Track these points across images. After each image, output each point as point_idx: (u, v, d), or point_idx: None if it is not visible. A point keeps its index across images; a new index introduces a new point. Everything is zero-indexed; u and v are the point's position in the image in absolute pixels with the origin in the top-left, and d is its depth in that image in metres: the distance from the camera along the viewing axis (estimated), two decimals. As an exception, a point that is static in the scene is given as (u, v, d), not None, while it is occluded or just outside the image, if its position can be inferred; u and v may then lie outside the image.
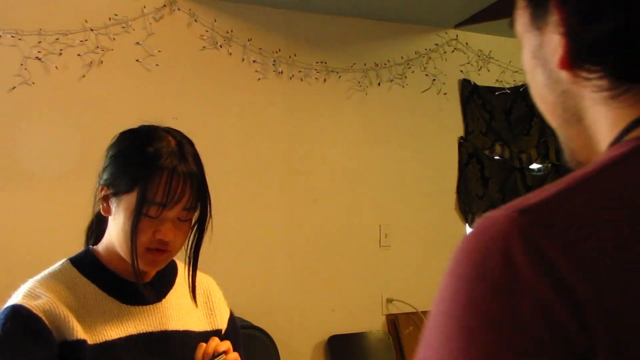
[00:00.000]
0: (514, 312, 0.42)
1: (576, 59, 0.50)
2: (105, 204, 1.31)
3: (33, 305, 1.23)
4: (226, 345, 1.33)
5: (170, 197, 1.25)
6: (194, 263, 1.38)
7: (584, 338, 0.41)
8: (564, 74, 0.53)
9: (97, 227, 1.40)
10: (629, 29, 0.46)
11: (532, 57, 0.56)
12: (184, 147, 1.30)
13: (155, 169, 1.25)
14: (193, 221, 1.34)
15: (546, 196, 0.46)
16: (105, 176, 1.32)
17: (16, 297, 1.26)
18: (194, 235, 1.35)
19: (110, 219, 1.32)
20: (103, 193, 1.31)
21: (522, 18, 0.56)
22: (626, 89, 0.49)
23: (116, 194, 1.29)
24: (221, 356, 1.30)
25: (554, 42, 0.52)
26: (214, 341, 1.33)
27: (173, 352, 1.33)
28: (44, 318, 1.21)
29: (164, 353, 1.32)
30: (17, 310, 1.22)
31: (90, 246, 1.38)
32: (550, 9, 0.51)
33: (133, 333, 1.29)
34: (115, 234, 1.30)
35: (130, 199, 1.26)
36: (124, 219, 1.27)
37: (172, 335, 1.33)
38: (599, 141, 0.54)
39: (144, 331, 1.30)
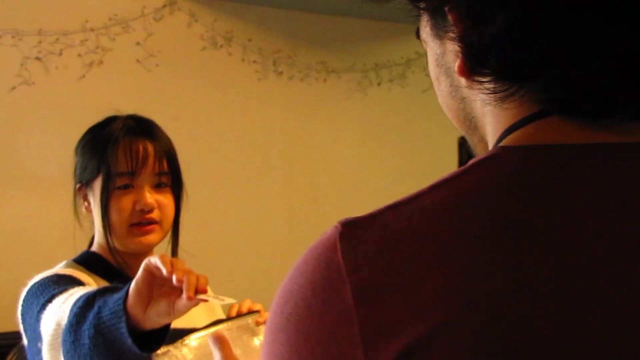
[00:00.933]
0: (313, 324, 0.43)
1: (470, 64, 0.50)
2: (86, 202, 1.31)
3: (69, 272, 1.22)
4: (259, 306, 1.32)
5: (134, 163, 1.25)
6: (174, 234, 1.37)
7: (361, 352, 0.41)
8: (463, 81, 0.52)
9: None
10: (513, 30, 0.46)
11: (436, 66, 0.56)
12: (142, 122, 1.32)
13: (112, 142, 1.26)
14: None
15: (374, 211, 0.47)
16: (77, 173, 1.33)
17: (38, 277, 1.23)
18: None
19: (93, 213, 1.32)
20: (81, 192, 1.31)
21: (424, 27, 0.57)
22: (514, 91, 0.49)
23: (88, 184, 1.29)
24: (255, 314, 1.29)
25: (454, 49, 0.52)
26: (248, 301, 1.32)
27: None
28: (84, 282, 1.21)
29: None
30: (58, 274, 1.21)
31: (87, 249, 1.37)
32: (446, 15, 0.51)
33: None
34: (97, 225, 1.29)
35: (99, 181, 1.26)
36: (97, 203, 1.27)
37: (179, 334, 1.33)
38: (490, 148, 0.54)
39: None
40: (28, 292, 1.20)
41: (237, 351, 1.24)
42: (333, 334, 0.42)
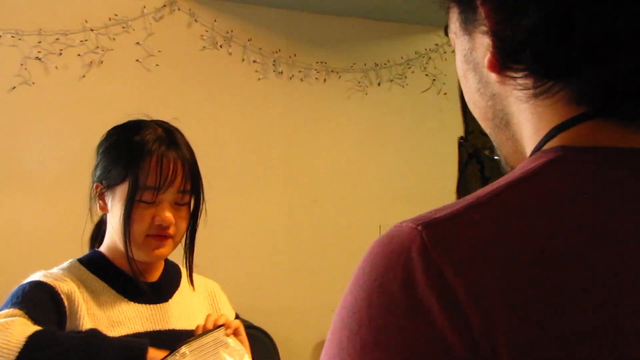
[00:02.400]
0: (407, 331, 0.40)
1: (502, 58, 0.49)
2: (101, 202, 1.32)
3: (54, 283, 1.23)
4: (224, 318, 1.33)
5: (163, 180, 1.26)
6: (190, 248, 1.38)
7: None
8: (493, 77, 0.52)
9: (99, 233, 1.41)
10: (548, 25, 0.45)
11: (464, 62, 0.55)
12: (171, 133, 1.33)
13: (144, 154, 1.26)
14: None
15: (452, 211, 0.44)
16: (97, 172, 1.33)
17: (31, 277, 1.25)
18: (190, 221, 1.36)
19: (108, 215, 1.32)
20: (98, 191, 1.32)
21: (453, 24, 0.56)
22: (549, 87, 0.48)
23: (110, 187, 1.29)
24: (220, 328, 1.30)
25: (484, 44, 0.51)
26: (211, 316, 1.33)
27: None
28: (63, 298, 1.22)
29: None
30: (38, 282, 1.23)
31: (96, 248, 1.39)
32: (477, 9, 0.50)
33: (140, 330, 1.29)
34: (113, 228, 1.30)
35: (124, 188, 1.27)
36: (119, 208, 1.27)
37: (180, 335, 1.33)
38: (525, 148, 0.53)
39: (152, 329, 1.30)
40: (12, 292, 1.23)
41: None
42: (445, 339, 0.39)
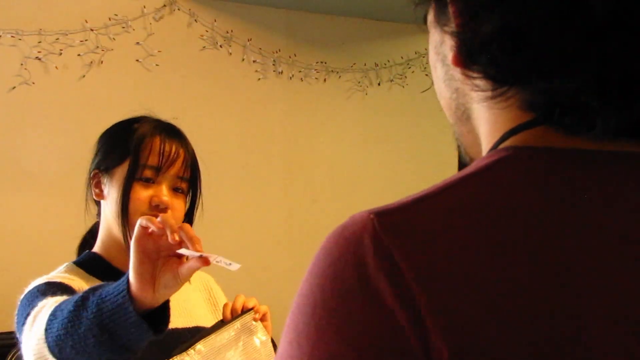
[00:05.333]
0: (359, 312, 0.43)
1: (463, 59, 0.51)
2: (97, 189, 1.31)
3: (65, 280, 1.21)
4: (254, 301, 1.32)
5: (165, 159, 1.26)
6: None
7: (422, 347, 0.41)
8: (457, 72, 0.54)
9: (90, 239, 1.39)
10: (504, 34, 0.47)
11: (434, 53, 0.58)
12: (173, 125, 1.34)
13: (147, 135, 1.28)
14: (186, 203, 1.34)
15: (405, 201, 0.47)
16: (96, 160, 1.32)
17: (36, 282, 1.22)
18: (187, 211, 1.35)
19: (103, 204, 1.31)
20: (95, 178, 1.31)
21: (430, 15, 0.58)
22: (503, 92, 0.50)
23: (108, 170, 1.29)
24: (250, 312, 1.29)
25: (450, 40, 0.53)
26: (241, 298, 1.32)
27: None
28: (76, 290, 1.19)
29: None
30: (47, 282, 1.20)
31: (88, 250, 1.36)
32: (448, 6, 0.52)
33: None
34: (110, 214, 1.28)
35: (123, 168, 1.26)
36: (117, 189, 1.26)
37: (182, 333, 1.32)
38: (483, 143, 0.55)
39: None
40: (21, 302, 1.20)
41: (242, 351, 1.25)
42: (396, 321, 0.42)
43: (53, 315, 1.04)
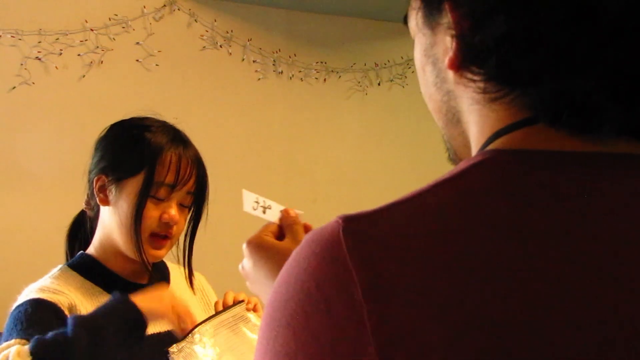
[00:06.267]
0: (311, 317, 0.43)
1: (464, 61, 0.51)
2: (102, 195, 1.28)
3: (55, 298, 1.19)
4: (243, 295, 1.32)
5: (180, 178, 1.25)
6: (189, 249, 1.38)
7: (374, 349, 0.41)
8: (450, 74, 0.53)
9: (78, 233, 1.38)
10: (515, 36, 0.47)
11: (424, 55, 0.57)
12: (181, 133, 1.32)
13: (164, 149, 1.25)
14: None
15: (378, 208, 0.46)
16: (102, 165, 1.28)
17: (27, 295, 1.20)
18: (191, 222, 1.35)
19: (108, 210, 1.28)
20: (99, 183, 1.28)
21: (415, 16, 0.57)
22: (505, 93, 0.50)
23: (118, 180, 1.26)
24: (242, 304, 1.29)
25: (446, 42, 0.53)
26: (231, 293, 1.32)
27: None
28: (66, 313, 1.18)
29: None
30: (39, 301, 1.18)
31: (82, 251, 1.34)
32: (444, 11, 0.52)
33: None
34: (116, 223, 1.26)
35: (136, 182, 1.24)
36: (128, 204, 1.24)
37: (180, 335, 1.32)
38: (472, 146, 0.55)
39: (151, 332, 1.27)
40: (9, 318, 1.18)
41: (235, 339, 1.25)
42: (343, 330, 0.42)
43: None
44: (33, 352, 1.02)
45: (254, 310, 1.31)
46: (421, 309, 0.41)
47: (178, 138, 1.29)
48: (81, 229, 1.37)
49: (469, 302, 0.41)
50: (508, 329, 0.40)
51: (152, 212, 1.24)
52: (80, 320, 1.07)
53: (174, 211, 1.26)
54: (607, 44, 0.46)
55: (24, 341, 1.08)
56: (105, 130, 1.33)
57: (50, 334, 1.05)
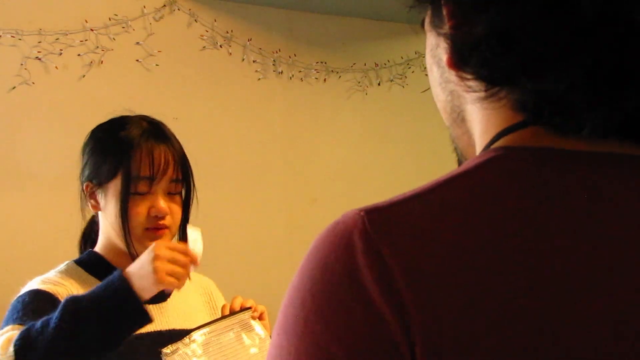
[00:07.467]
0: (346, 308, 0.43)
1: (456, 60, 0.52)
2: (93, 201, 1.31)
3: (53, 289, 1.22)
4: (251, 302, 1.33)
5: (156, 169, 1.27)
6: (184, 239, 1.38)
7: (407, 345, 0.42)
8: (452, 74, 0.54)
9: (91, 233, 1.40)
10: (493, 36, 0.48)
11: (430, 56, 0.59)
12: (157, 126, 1.33)
13: (133, 146, 1.27)
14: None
15: (395, 200, 0.47)
16: (86, 172, 1.32)
17: (29, 286, 1.23)
18: (181, 207, 1.36)
19: (101, 214, 1.32)
20: (89, 190, 1.31)
21: (427, 18, 0.59)
22: (495, 92, 0.51)
23: (101, 184, 1.29)
24: (248, 310, 1.29)
25: (444, 41, 0.54)
26: (239, 298, 1.33)
27: None
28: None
29: None
30: (37, 291, 1.21)
31: (91, 249, 1.38)
32: (442, 8, 0.53)
33: (142, 332, 1.29)
34: (110, 225, 1.30)
35: (116, 183, 1.27)
36: (113, 205, 1.27)
37: (180, 334, 1.33)
38: (476, 144, 0.56)
39: (152, 330, 1.29)
40: (11, 305, 1.21)
41: (231, 348, 1.25)
42: (382, 319, 0.42)
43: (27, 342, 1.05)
44: (17, 339, 1.05)
45: (260, 318, 1.32)
46: (459, 297, 0.42)
47: (149, 130, 1.29)
48: (93, 229, 1.40)
49: (503, 291, 0.42)
50: (542, 320, 0.41)
51: (139, 209, 1.26)
52: (71, 302, 1.09)
53: (162, 203, 1.27)
54: (580, 44, 0.46)
55: (18, 326, 1.10)
56: (88, 134, 1.36)
57: (40, 321, 1.07)
